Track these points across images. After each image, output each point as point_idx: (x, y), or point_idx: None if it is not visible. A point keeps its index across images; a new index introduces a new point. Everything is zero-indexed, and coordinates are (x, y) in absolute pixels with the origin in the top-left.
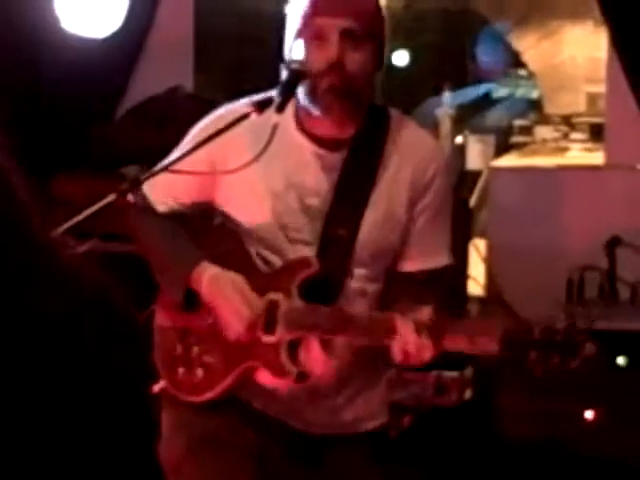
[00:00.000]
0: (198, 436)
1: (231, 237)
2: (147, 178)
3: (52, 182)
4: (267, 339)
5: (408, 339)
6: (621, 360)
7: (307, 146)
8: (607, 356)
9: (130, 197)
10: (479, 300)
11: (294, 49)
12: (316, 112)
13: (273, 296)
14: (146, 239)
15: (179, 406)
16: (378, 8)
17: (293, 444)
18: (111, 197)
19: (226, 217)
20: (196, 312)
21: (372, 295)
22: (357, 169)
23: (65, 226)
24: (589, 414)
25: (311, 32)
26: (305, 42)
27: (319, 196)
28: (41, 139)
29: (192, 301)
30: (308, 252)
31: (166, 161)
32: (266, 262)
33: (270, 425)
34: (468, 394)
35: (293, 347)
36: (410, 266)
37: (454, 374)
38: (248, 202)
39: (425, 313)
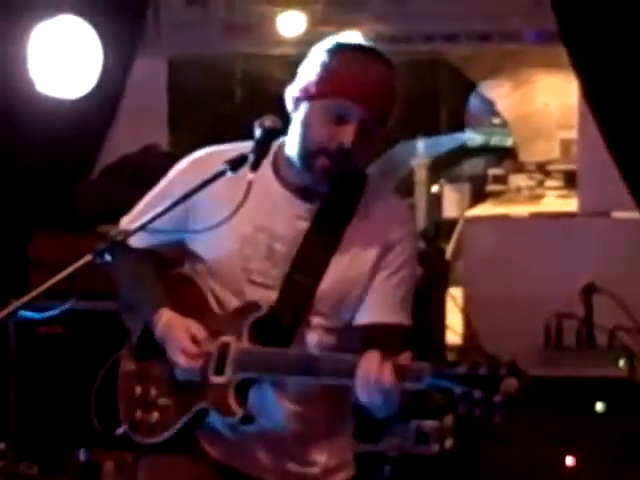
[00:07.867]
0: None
1: (189, 282)
2: (126, 238)
3: (29, 243)
4: (217, 380)
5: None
6: (599, 406)
7: (281, 192)
8: (586, 403)
9: (107, 257)
10: (457, 349)
11: (292, 102)
12: (299, 167)
13: (225, 338)
14: (119, 282)
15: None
16: (394, 92)
17: None
18: (88, 257)
19: (193, 254)
20: (153, 358)
21: (327, 347)
22: (328, 221)
23: (43, 287)
24: (570, 460)
25: (330, 107)
26: (317, 110)
27: (285, 242)
28: (18, 200)
29: (151, 348)
30: (268, 295)
31: (142, 204)
32: (220, 303)
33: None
34: (449, 443)
35: (243, 389)
36: (363, 318)
37: (434, 423)
38: (216, 242)
39: None
